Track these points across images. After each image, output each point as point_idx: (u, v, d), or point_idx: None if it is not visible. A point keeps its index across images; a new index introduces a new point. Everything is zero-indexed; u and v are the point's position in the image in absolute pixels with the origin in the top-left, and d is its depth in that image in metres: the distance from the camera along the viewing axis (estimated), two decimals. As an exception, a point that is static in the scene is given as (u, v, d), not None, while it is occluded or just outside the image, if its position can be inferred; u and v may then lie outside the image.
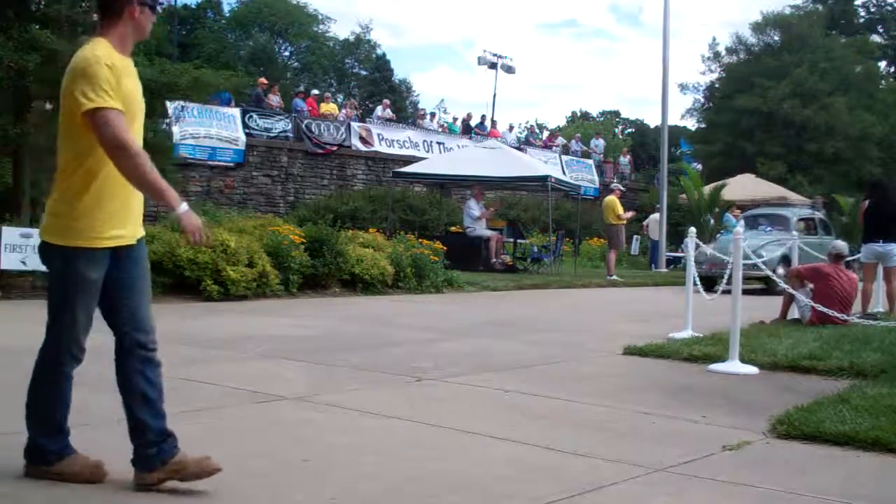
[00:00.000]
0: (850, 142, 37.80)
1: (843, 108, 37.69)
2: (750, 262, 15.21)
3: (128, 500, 3.47)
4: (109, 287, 3.59)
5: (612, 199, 19.54)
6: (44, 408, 3.74)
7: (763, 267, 9.13)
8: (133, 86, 3.53)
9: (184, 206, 3.44)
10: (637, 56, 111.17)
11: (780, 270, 15.17)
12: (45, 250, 3.55)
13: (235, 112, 23.24)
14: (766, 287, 15.66)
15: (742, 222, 18.58)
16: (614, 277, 18.77)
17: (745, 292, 14.83)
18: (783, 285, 15.43)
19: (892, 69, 50.53)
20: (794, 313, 10.12)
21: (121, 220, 3.53)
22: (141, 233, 3.68)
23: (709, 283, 16.44)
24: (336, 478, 3.77)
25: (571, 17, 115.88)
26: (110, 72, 3.38)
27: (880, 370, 6.52)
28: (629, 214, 20.52)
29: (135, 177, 3.41)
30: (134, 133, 3.48)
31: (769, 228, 17.64)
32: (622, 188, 21.81)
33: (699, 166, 34.67)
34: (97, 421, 4.65)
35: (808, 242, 15.56)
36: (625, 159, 37.48)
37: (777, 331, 8.95)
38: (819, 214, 19.18)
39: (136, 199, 3.61)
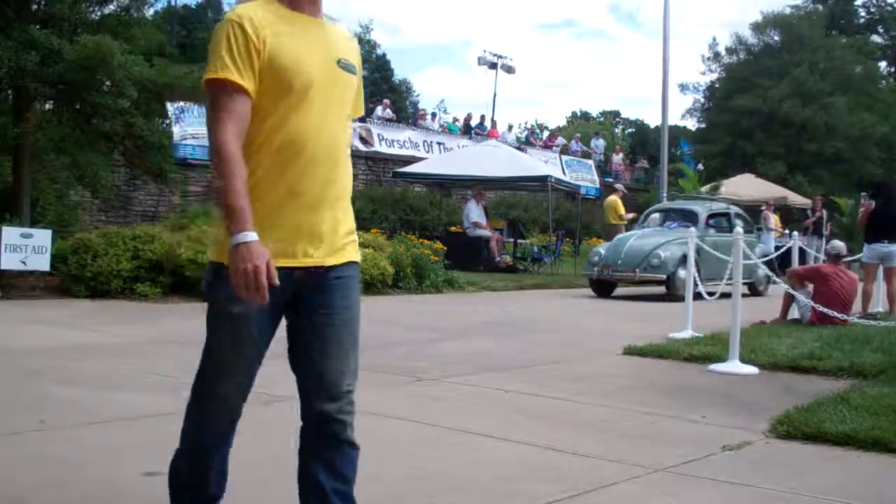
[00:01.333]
0: (851, 142, 37.86)
1: (844, 109, 37.74)
2: (652, 263, 13.94)
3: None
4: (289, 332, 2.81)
5: (614, 200, 19.47)
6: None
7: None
8: (302, 50, 2.55)
9: (242, 237, 2.39)
10: (637, 56, 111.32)
11: (681, 273, 13.79)
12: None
13: (236, 112, 23.20)
14: (668, 292, 14.21)
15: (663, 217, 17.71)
16: None
17: (642, 298, 13.78)
18: (682, 293, 13.80)
19: (893, 69, 50.54)
20: (793, 313, 10.12)
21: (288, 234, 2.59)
22: (339, 258, 2.69)
23: (603, 287, 14.97)
24: (336, 478, 3.76)
25: (570, 17, 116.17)
26: (241, 31, 2.48)
27: (880, 370, 6.52)
28: (631, 215, 20.45)
29: (215, 176, 2.49)
30: (310, 118, 2.55)
31: (675, 225, 15.59)
32: (625, 189, 21.68)
33: (700, 167, 34.66)
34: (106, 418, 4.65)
35: (719, 241, 14.12)
36: (618, 157, 37.43)
37: (777, 331, 8.95)
38: (735, 209, 16.91)
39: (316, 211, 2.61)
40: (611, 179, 34.48)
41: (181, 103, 15.03)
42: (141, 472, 3.69)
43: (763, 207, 23.42)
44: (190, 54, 39.86)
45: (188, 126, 20.99)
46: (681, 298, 13.44)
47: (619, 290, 15.48)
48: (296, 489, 3.63)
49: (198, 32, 49.31)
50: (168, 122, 14.64)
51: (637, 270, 14.25)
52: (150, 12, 13.77)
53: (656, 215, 16.65)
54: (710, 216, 15.90)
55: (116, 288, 11.27)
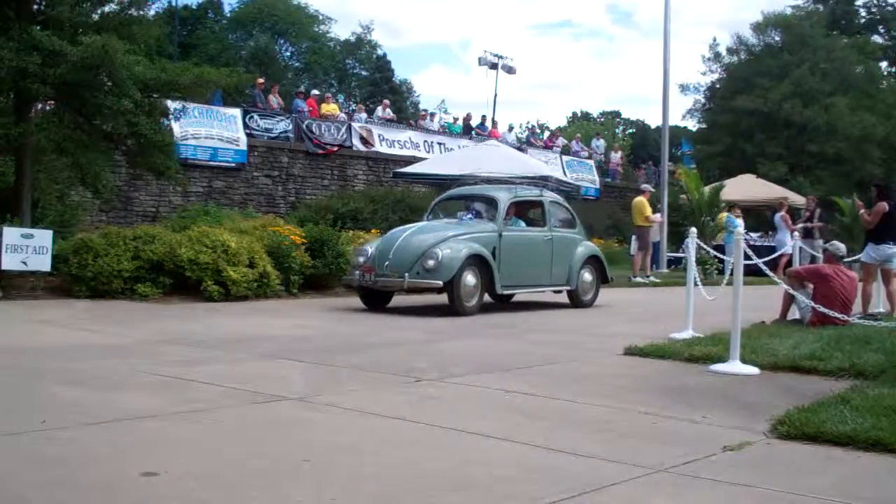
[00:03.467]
0: (851, 142, 37.86)
1: (844, 109, 37.74)
2: (427, 265, 10.65)
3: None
4: None
5: (641, 201, 19.08)
6: None
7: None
8: None
9: None
10: (636, 56, 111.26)
11: (470, 279, 10.97)
12: None
13: (236, 112, 23.23)
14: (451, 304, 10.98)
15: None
16: (637, 279, 18.60)
17: (425, 310, 11.33)
18: (470, 304, 10.70)
19: (893, 69, 50.51)
20: (793, 314, 10.12)
21: None
22: None
23: (373, 297, 11.48)
24: (336, 478, 3.77)
25: (567, 17, 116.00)
26: None
27: (881, 371, 6.51)
28: (658, 217, 20.04)
29: None
30: None
31: (470, 216, 12.12)
32: (652, 189, 21.18)
33: (694, 167, 34.61)
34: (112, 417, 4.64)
35: (526, 236, 12.14)
36: (616, 155, 37.33)
37: (778, 331, 8.94)
38: (552, 196, 13.28)
39: None
40: (609, 179, 34.48)
41: (182, 103, 15.03)
42: (140, 472, 3.69)
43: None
44: (191, 54, 39.98)
45: (188, 126, 20.98)
46: (468, 312, 10.76)
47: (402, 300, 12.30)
48: (296, 483, 3.63)
49: (199, 32, 49.42)
50: (169, 120, 14.63)
51: (407, 275, 10.74)
52: (150, 12, 13.74)
53: (451, 203, 13.16)
54: (517, 205, 12.48)
55: (117, 288, 11.29)
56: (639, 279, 18.61)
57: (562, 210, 13.17)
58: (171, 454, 4.04)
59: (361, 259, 11.28)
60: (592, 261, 13.09)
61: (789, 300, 9.95)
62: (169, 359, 6.75)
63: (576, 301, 12.84)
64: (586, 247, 13.18)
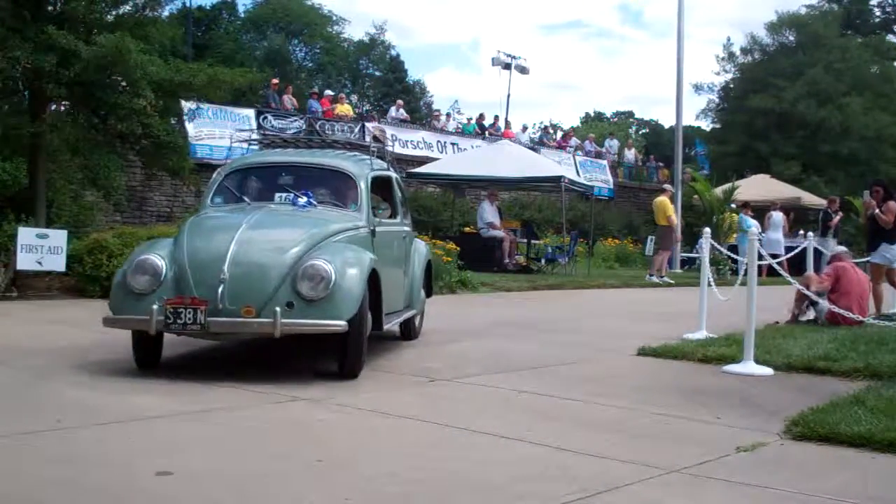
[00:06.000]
0: (866, 142, 37.68)
1: (859, 109, 37.56)
2: (306, 291, 5.85)
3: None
4: None
5: (664, 201, 18.92)
6: None
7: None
8: None
9: None
10: (647, 56, 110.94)
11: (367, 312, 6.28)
12: None
13: (250, 113, 23.24)
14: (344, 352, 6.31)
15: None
16: (653, 279, 18.54)
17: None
18: (363, 344, 5.89)
19: (909, 69, 50.14)
20: (808, 314, 10.10)
21: None
22: None
23: (144, 348, 6.31)
24: (350, 478, 3.78)
25: (577, 17, 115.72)
26: None
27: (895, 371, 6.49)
28: (674, 219, 19.92)
29: None
30: None
31: (306, 202, 7.00)
32: (673, 189, 20.99)
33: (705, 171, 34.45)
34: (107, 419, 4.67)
35: (393, 234, 7.73)
36: (630, 152, 37.16)
37: (791, 332, 8.91)
38: (395, 173, 8.88)
39: None
40: (623, 179, 34.38)
41: (196, 103, 15.07)
42: (154, 471, 3.71)
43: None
44: (205, 54, 40.07)
45: (203, 126, 21.01)
46: (360, 368, 6.15)
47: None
48: (310, 483, 3.64)
49: (213, 33, 49.57)
50: (183, 120, 14.64)
51: (278, 310, 5.75)
52: (165, 13, 13.79)
53: (254, 181, 7.60)
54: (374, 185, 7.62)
55: (131, 288, 11.32)
56: (654, 279, 18.56)
57: (402, 193, 8.70)
58: (185, 454, 4.05)
59: (145, 279, 6.02)
60: (427, 269, 8.94)
61: (801, 300, 9.93)
62: (182, 360, 6.77)
63: (407, 331, 8.35)
64: (420, 248, 8.89)
